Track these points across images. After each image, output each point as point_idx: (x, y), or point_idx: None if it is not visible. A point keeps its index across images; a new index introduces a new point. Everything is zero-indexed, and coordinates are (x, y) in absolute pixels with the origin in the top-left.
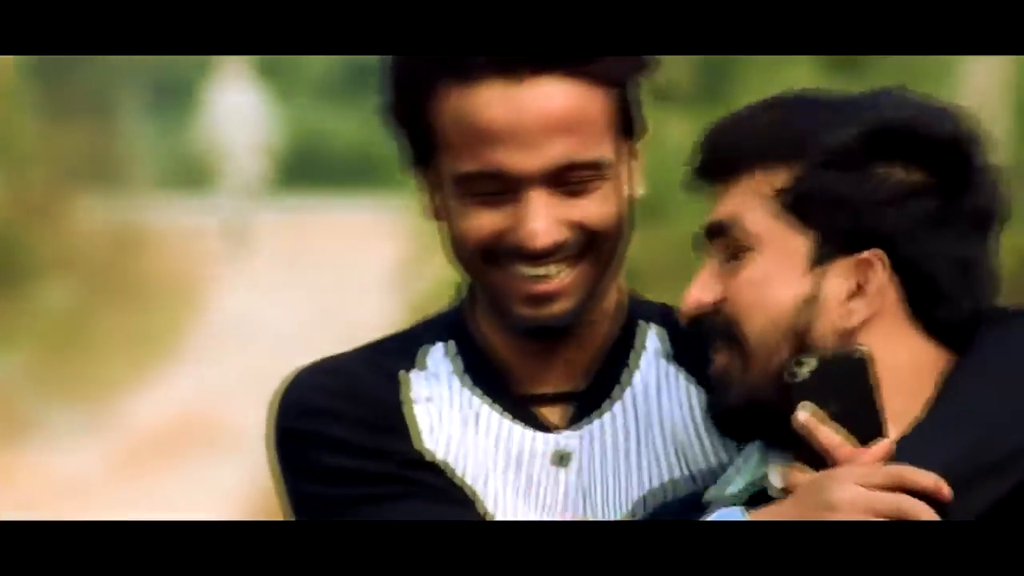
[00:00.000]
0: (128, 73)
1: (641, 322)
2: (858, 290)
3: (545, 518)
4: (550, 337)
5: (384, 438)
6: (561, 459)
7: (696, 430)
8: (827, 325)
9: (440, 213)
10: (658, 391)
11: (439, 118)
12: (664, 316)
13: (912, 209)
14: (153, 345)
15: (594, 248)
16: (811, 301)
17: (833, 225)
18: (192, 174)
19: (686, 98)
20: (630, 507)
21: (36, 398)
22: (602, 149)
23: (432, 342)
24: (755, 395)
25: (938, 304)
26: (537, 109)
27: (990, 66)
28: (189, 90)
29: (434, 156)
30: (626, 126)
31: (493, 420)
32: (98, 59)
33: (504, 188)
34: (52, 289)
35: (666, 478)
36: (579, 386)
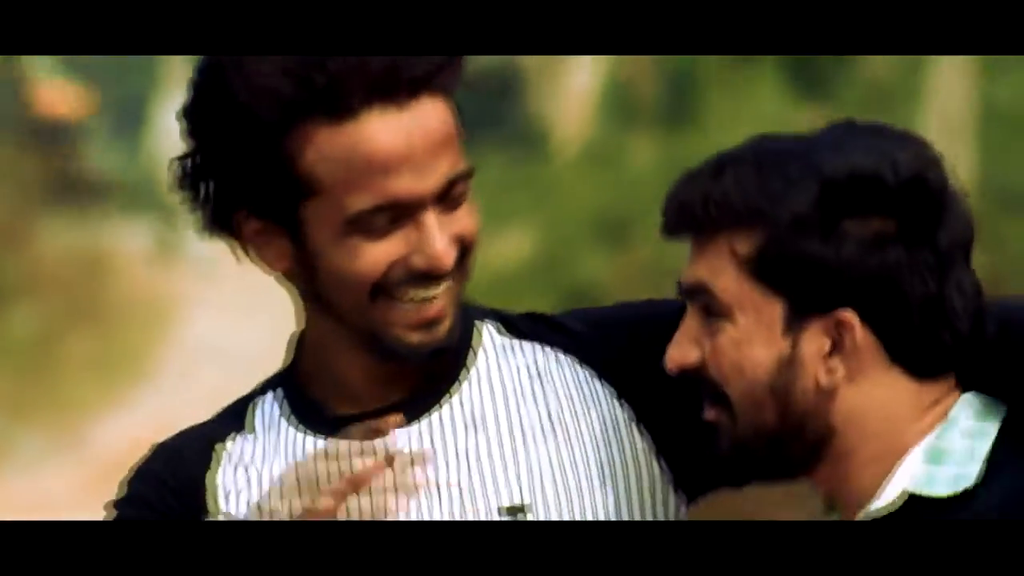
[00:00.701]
0: (93, 95)
1: (476, 322)
2: (835, 348)
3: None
4: (436, 358)
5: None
6: (392, 460)
7: (549, 413)
8: (807, 384)
9: (293, 266)
10: (496, 381)
11: (308, 161)
12: (495, 314)
13: (880, 260)
14: (121, 368)
15: (464, 260)
16: (789, 362)
17: (803, 289)
18: (158, 196)
19: (651, 120)
20: (477, 494)
21: (2, 421)
22: (464, 158)
23: (262, 395)
24: (744, 446)
25: (916, 345)
26: (422, 131)
27: (956, 89)
28: (151, 111)
29: (296, 204)
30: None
31: (321, 448)
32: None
33: (397, 216)
34: (18, 312)
35: (521, 460)
36: (417, 393)
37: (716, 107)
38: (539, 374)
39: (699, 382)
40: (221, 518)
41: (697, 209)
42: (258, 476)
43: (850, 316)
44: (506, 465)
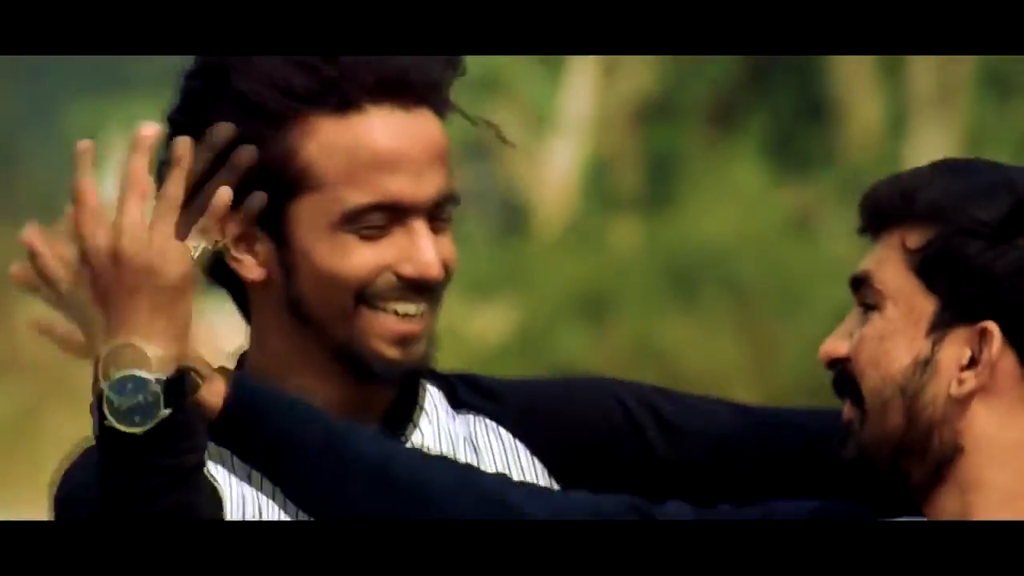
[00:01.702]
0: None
1: (422, 380)
2: (972, 361)
3: None
4: (391, 382)
5: None
6: None
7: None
8: (938, 391)
9: (271, 273)
10: (439, 446)
11: (309, 153)
12: (435, 378)
13: None
14: None
15: (442, 290)
16: (925, 365)
17: (956, 293)
18: None
19: (632, 200)
20: None
21: None
22: (455, 186)
23: None
24: (868, 453)
25: None
26: (424, 137)
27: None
28: None
29: (287, 201)
30: None
31: (268, 486)
32: (43, 160)
33: (391, 219)
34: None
35: None
36: None
37: (696, 188)
38: (476, 445)
39: (839, 382)
40: None
41: (883, 201)
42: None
43: (992, 326)
44: None
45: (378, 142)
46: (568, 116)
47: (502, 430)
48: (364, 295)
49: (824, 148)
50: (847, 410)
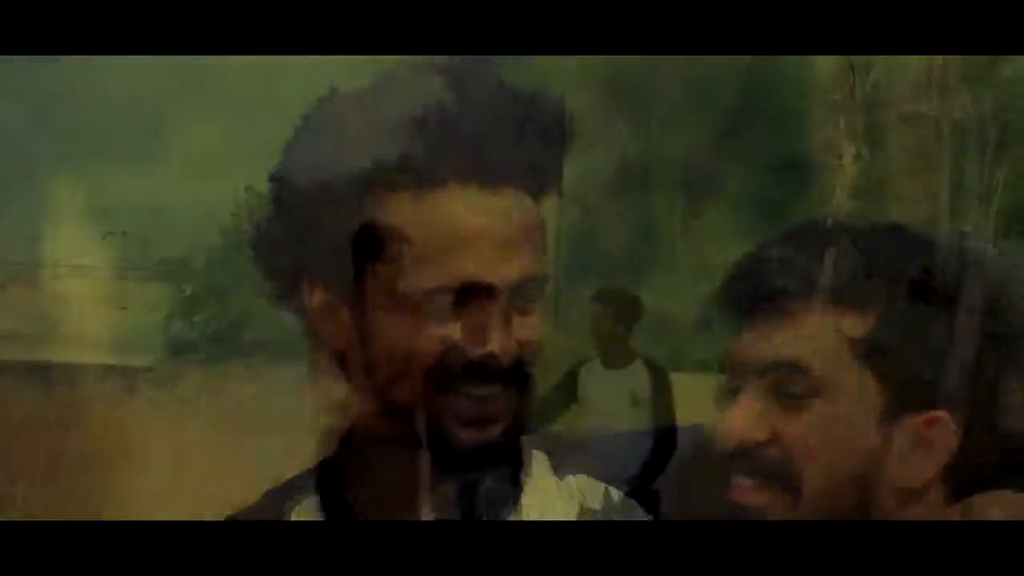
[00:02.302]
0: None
1: (522, 439)
2: (925, 448)
3: None
4: (474, 465)
5: None
6: None
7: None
8: (892, 481)
9: (352, 344)
10: (536, 512)
11: (386, 226)
12: (542, 438)
13: (989, 364)
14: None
15: (523, 370)
16: (878, 454)
17: (909, 380)
18: (120, 340)
19: (615, 268)
20: None
21: None
22: (546, 266)
23: (299, 500)
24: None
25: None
26: (510, 219)
27: None
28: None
29: (362, 272)
30: None
31: None
32: (23, 230)
33: (463, 299)
34: None
35: None
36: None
37: (676, 251)
38: (590, 507)
39: (750, 465)
40: None
41: (791, 276)
42: None
43: (944, 415)
44: None
45: (457, 220)
46: None
47: (611, 489)
48: (435, 375)
49: (803, 209)
50: (758, 495)
